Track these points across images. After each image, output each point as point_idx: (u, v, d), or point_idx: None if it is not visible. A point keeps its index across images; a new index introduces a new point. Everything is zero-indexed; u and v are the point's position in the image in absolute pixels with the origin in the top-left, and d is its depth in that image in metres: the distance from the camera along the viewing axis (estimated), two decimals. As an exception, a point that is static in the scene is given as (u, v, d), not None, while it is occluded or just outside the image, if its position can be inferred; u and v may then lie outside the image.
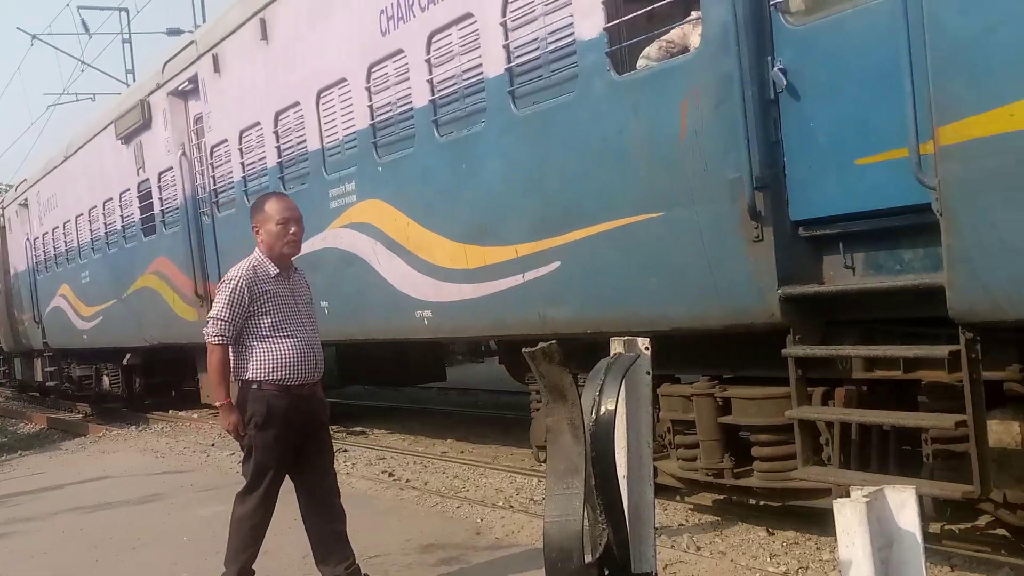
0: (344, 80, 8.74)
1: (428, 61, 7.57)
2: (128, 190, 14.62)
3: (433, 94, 7.57)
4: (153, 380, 17.51)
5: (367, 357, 13.15)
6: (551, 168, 6.51)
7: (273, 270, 5.27)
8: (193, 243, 12.46)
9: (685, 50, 5.65)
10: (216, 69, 11.23)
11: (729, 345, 5.94)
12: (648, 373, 3.87)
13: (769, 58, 5.13)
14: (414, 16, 7.68)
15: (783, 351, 5.21)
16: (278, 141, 10.01)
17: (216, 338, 5.16)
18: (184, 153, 12.55)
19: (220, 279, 5.31)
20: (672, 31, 5.74)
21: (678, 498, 7.05)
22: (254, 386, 5.17)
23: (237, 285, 5.19)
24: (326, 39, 8.96)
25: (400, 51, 7.91)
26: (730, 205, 5.27)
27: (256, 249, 5.33)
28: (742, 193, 5.17)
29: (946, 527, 5.58)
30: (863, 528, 3.02)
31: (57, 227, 18.81)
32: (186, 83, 12.21)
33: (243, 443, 5.32)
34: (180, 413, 16.64)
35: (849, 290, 5.01)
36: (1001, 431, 4.61)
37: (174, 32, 25.95)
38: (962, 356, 4.41)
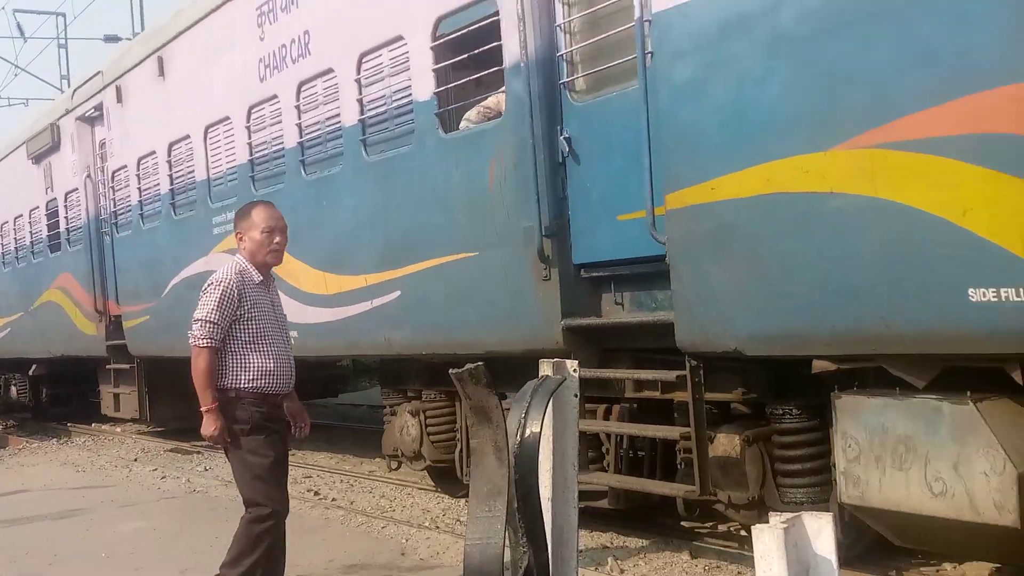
0: (228, 118, 9.60)
1: (297, 107, 8.48)
2: (37, 208, 15.26)
3: (301, 136, 8.47)
4: (58, 391, 17.99)
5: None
6: (393, 209, 7.43)
7: (257, 277, 5.17)
8: (95, 261, 13.14)
9: (499, 115, 6.62)
10: (119, 99, 11.99)
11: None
12: (576, 396, 3.86)
13: (558, 127, 6.11)
14: (287, 67, 8.58)
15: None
16: (171, 170, 10.83)
17: (204, 340, 4.94)
18: (89, 176, 13.25)
19: (207, 283, 5.08)
20: (489, 98, 6.69)
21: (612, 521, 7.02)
22: (231, 394, 5.00)
23: (228, 287, 5.01)
24: (214, 80, 9.81)
25: (275, 96, 8.80)
26: (525, 249, 6.23)
27: (237, 255, 5.23)
28: (534, 239, 6.13)
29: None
30: (780, 554, 3.07)
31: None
32: (92, 110, 12.94)
33: (228, 452, 5.14)
34: (103, 427, 16.23)
35: (617, 323, 6.01)
36: (726, 443, 5.60)
37: (111, 39, 25.84)
38: (687, 380, 5.41)
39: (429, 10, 6.88)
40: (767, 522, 3.45)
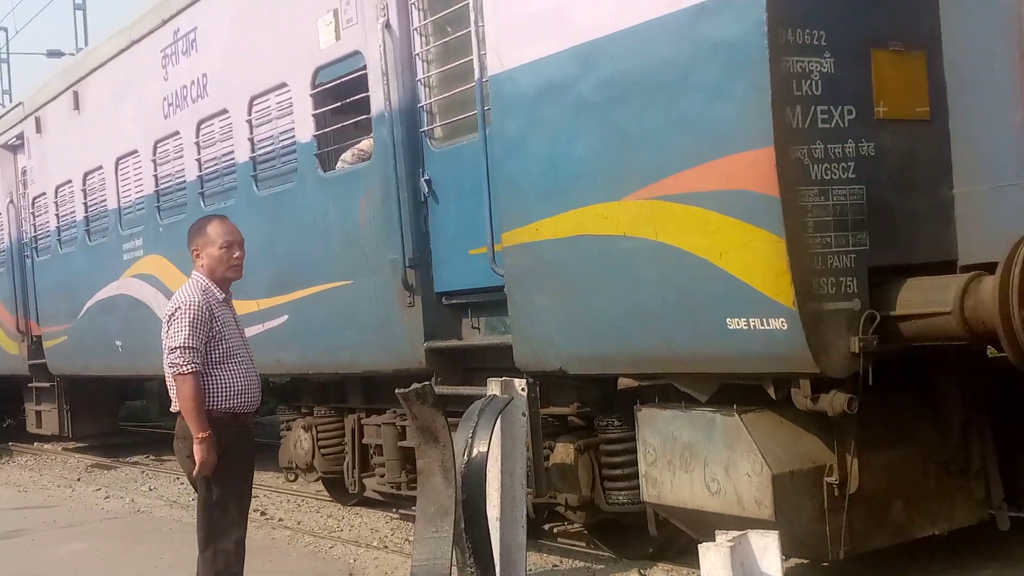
0: (136, 151, 10.22)
1: (197, 144, 9.12)
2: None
3: (200, 170, 9.12)
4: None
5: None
6: (280, 239, 8.10)
7: (220, 294, 5.13)
8: (17, 283, 13.63)
9: (370, 157, 7.32)
10: (39, 130, 12.53)
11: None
12: (523, 415, 3.79)
13: (420, 170, 6.83)
14: (188, 105, 9.23)
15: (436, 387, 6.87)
16: (85, 198, 11.40)
17: (188, 367, 4.87)
18: (12, 201, 13.75)
19: (172, 309, 5.02)
20: (363, 142, 7.39)
21: (557, 539, 7.11)
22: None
23: (198, 309, 4.95)
24: (124, 114, 10.42)
25: (177, 132, 9.44)
26: (392, 278, 6.93)
27: (195, 272, 5.17)
28: (399, 270, 6.84)
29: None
30: (727, 571, 3.14)
31: None
32: (14, 139, 13.45)
33: (196, 480, 5.06)
34: (45, 446, 15.89)
35: (471, 345, 6.73)
36: (562, 452, 6.32)
37: (54, 54, 25.43)
38: (527, 394, 6.14)
39: (309, 61, 7.57)
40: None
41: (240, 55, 8.48)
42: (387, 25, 6.78)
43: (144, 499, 10.34)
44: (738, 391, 5.15)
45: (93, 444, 14.93)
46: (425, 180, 6.79)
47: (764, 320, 4.65)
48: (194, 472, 4.95)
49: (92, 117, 11.19)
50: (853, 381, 4.68)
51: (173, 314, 4.99)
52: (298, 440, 8.91)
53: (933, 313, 4.57)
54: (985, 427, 5.37)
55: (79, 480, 12.25)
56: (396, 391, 3.50)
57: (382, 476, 7.87)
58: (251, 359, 5.23)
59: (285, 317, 8.12)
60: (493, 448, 3.64)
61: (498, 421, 3.72)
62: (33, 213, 12.99)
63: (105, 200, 10.93)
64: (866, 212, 4.68)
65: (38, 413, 14.19)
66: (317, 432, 8.71)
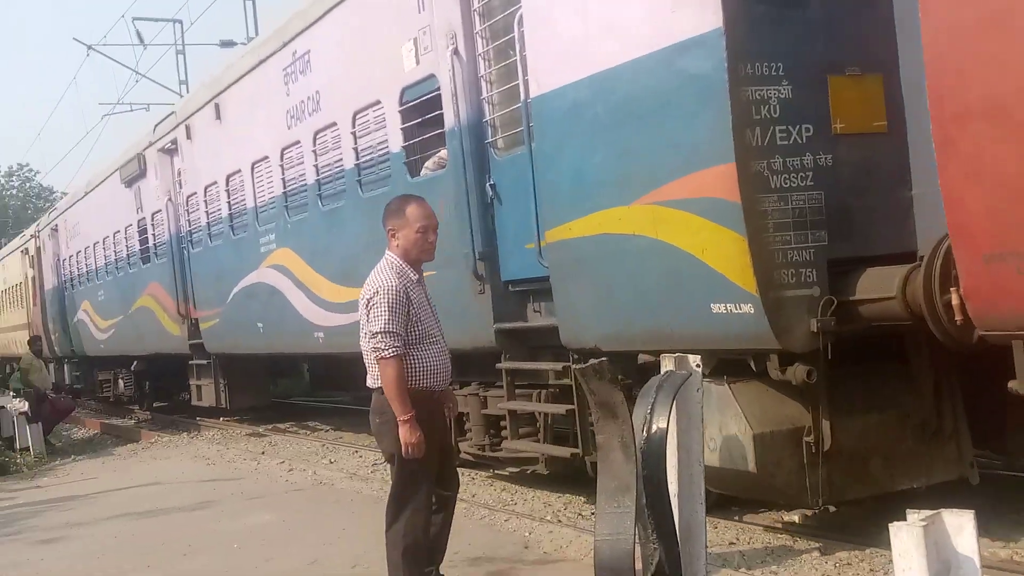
0: (267, 157, 11.68)
1: (314, 151, 10.48)
2: (130, 225, 17.72)
3: (318, 175, 10.48)
4: (159, 384, 20.49)
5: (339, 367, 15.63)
6: (381, 235, 9.33)
7: (413, 275, 5.25)
8: (177, 272, 15.44)
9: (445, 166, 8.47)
10: (189, 136, 14.23)
11: (486, 361, 8.71)
12: (698, 391, 3.74)
13: (486, 176, 7.94)
14: (305, 118, 10.59)
15: (496, 365, 8.03)
16: (228, 197, 12.98)
17: (391, 350, 4.99)
18: (170, 199, 15.55)
19: (371, 293, 5.17)
20: (442, 151, 8.54)
21: (736, 518, 7.01)
22: None
23: (396, 293, 5.07)
24: (256, 124, 11.91)
25: (298, 141, 10.83)
26: (465, 269, 8.08)
27: (389, 253, 5.33)
28: (471, 262, 7.98)
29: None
30: (920, 552, 2.99)
31: (80, 251, 21.98)
32: (170, 143, 15.22)
33: (393, 455, 5.18)
34: (231, 420, 16.66)
35: (530, 326, 7.82)
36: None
37: (227, 44, 26.50)
38: (570, 369, 7.20)
39: (396, 82, 8.78)
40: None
41: (344, 75, 9.76)
42: (455, 52, 7.90)
43: (325, 471, 10.57)
44: (734, 364, 6.09)
45: (248, 416, 16.64)
46: (490, 185, 7.89)
47: (737, 305, 5.58)
48: (403, 453, 5.01)
49: (231, 126, 12.74)
50: (817, 355, 5.56)
51: (371, 298, 5.09)
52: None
53: (882, 298, 5.42)
54: (956, 392, 6.13)
55: (263, 453, 12.60)
56: (573, 367, 3.44)
57: (470, 440, 9.05)
58: (443, 338, 5.32)
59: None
60: (671, 425, 3.51)
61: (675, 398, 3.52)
62: (187, 210, 14.73)
63: (245, 199, 12.48)
64: (824, 213, 5.54)
65: (198, 387, 16.04)
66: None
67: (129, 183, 17.38)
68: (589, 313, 6.81)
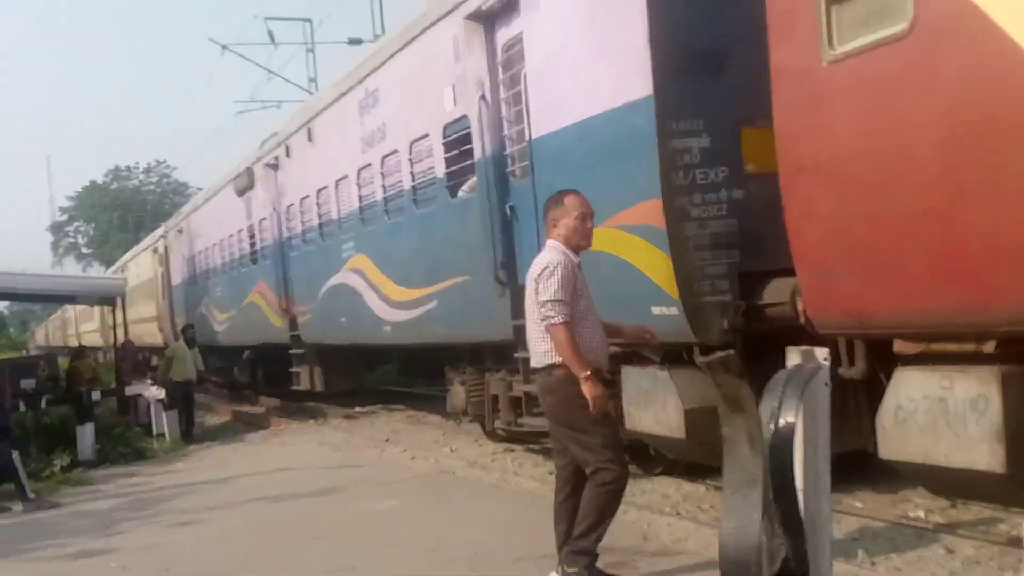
0: (347, 176, 13.62)
1: (382, 173, 12.35)
2: (241, 230, 20.00)
3: (384, 192, 12.35)
4: (268, 371, 22.72)
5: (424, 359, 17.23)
6: (430, 246, 11.17)
7: (575, 259, 5.58)
8: (280, 273, 17.57)
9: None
10: (288, 155, 16.33)
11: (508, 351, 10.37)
12: (827, 385, 3.78)
13: (507, 199, 9.63)
14: (375, 144, 12.48)
15: (514, 354, 9.74)
16: (318, 209, 15.00)
17: (560, 317, 5.33)
18: (274, 208, 17.69)
19: (539, 269, 5.59)
20: (474, 177, 10.27)
21: (861, 513, 7.08)
22: (564, 370, 5.43)
23: (565, 267, 5.43)
24: (340, 148, 13.86)
25: (370, 164, 12.73)
26: (490, 275, 9.80)
27: (552, 241, 5.72)
28: (493, 269, 9.70)
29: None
30: None
31: (201, 251, 24.49)
32: (273, 159, 17.36)
33: (564, 424, 5.57)
34: (356, 408, 17.27)
35: (541, 323, 9.46)
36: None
37: (355, 42, 27.04)
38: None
39: (439, 119, 10.56)
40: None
41: (403, 110, 11.61)
42: (483, 97, 9.63)
43: (447, 460, 10.76)
44: (678, 353, 7.67)
45: (342, 398, 18.56)
46: (509, 207, 9.58)
47: (668, 308, 7.18)
48: (591, 408, 5.34)
49: (320, 147, 14.75)
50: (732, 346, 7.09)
51: (541, 272, 5.49)
52: (456, 392, 11.98)
53: (778, 303, 6.93)
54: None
55: (387, 441, 12.92)
56: (698, 360, 3.52)
57: (500, 417, 10.78)
58: (599, 320, 5.68)
59: (435, 302, 11.19)
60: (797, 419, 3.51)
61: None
62: (287, 218, 16.84)
63: (331, 211, 14.46)
64: (738, 237, 7.07)
65: (298, 374, 18.15)
66: (468, 387, 11.72)
67: (240, 193, 19.63)
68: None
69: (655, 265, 7.22)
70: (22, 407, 14.04)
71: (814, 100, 5.72)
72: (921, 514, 6.80)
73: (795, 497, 3.49)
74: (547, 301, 5.42)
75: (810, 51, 5.65)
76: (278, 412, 18.95)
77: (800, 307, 6.34)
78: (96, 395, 14.77)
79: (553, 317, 5.38)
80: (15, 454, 10.88)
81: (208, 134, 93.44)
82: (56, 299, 32.28)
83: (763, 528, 3.27)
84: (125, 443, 14.47)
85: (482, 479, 9.34)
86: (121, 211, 77.84)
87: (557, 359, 5.47)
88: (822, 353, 3.76)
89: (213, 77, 65.06)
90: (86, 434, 13.59)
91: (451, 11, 10.07)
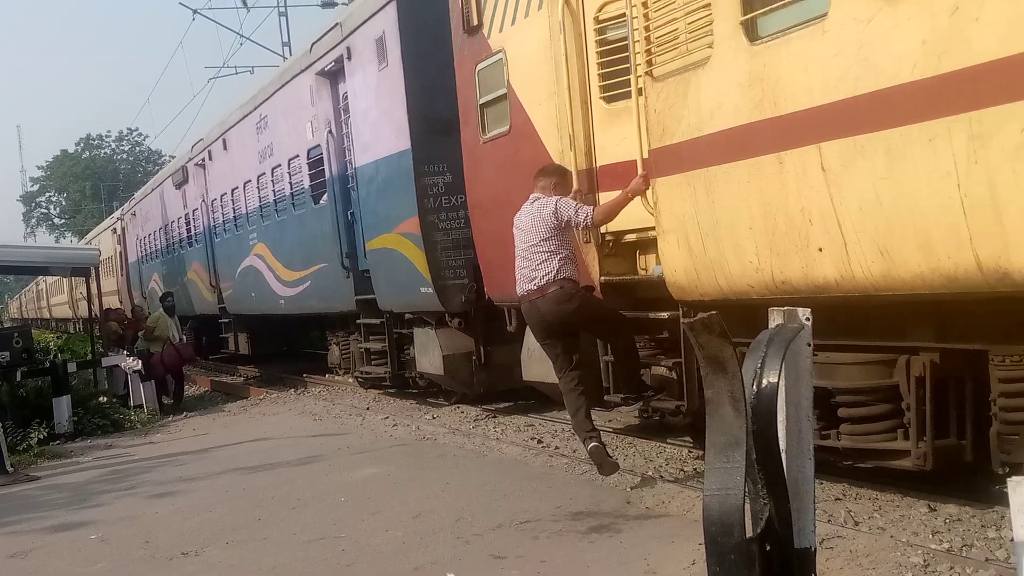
0: (251, 180, 17.15)
1: (271, 180, 15.90)
2: (180, 217, 23.47)
3: (273, 196, 15.91)
4: (209, 338, 26.09)
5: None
6: (304, 239, 14.74)
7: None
8: (208, 254, 21.06)
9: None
10: (210, 158, 19.83)
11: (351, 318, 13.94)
12: (809, 345, 3.74)
13: (349, 207, 13.19)
14: (267, 158, 16.01)
15: (356, 321, 13.36)
16: (233, 204, 18.53)
17: (589, 211, 7.03)
18: (203, 200, 21.16)
19: (552, 206, 7.03)
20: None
21: (844, 474, 6.85)
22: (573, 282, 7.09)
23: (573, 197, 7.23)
24: (245, 158, 17.37)
25: (264, 172, 16.27)
26: (336, 263, 13.39)
27: (540, 194, 7.19)
28: (339, 258, 13.28)
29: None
30: None
31: (149, 234, 27.92)
32: (201, 161, 20.83)
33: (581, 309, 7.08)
34: (336, 377, 16.53)
35: (372, 298, 13.11)
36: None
37: (328, 5, 27.24)
38: (386, 323, 12.49)
39: (304, 144, 14.12)
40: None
41: (283, 134, 15.14)
42: (330, 132, 13.18)
43: (428, 427, 10.66)
44: (440, 317, 11.30)
45: (272, 360, 21.69)
46: (350, 213, 13.15)
47: (428, 288, 10.81)
48: (636, 187, 6.84)
49: (232, 155, 18.27)
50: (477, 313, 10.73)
51: (557, 203, 7.04)
52: (332, 351, 15.58)
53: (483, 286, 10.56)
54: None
55: (368, 409, 12.74)
56: (682, 321, 3.75)
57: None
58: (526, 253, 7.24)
59: (309, 282, 14.78)
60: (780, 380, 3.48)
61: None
62: (212, 210, 20.34)
63: (241, 207, 17.99)
64: (471, 241, 10.66)
65: (226, 339, 21.70)
66: (340, 347, 15.28)
67: (177, 186, 23.09)
68: (384, 291, 12.10)
69: (420, 260, 10.83)
70: (-4, 380, 13.38)
71: (477, 163, 9.33)
72: (907, 464, 6.41)
73: (778, 458, 3.48)
74: (578, 218, 7.07)
75: (475, 134, 9.25)
76: (257, 382, 19.14)
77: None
78: (72, 367, 14.51)
79: (588, 215, 7.04)
80: (-5, 426, 10.50)
81: (181, 101, 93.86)
82: (29, 271, 31.32)
83: (747, 489, 3.27)
84: (102, 415, 14.20)
85: (464, 445, 9.37)
86: (93, 180, 77.92)
87: (565, 273, 7.03)
88: (804, 313, 3.71)
89: (185, 43, 64.35)
90: (62, 406, 13.43)
91: (308, 67, 13.62)
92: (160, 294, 19.05)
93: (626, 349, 7.35)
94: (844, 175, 5.26)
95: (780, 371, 3.40)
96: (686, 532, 5.55)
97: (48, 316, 58.26)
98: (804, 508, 3.59)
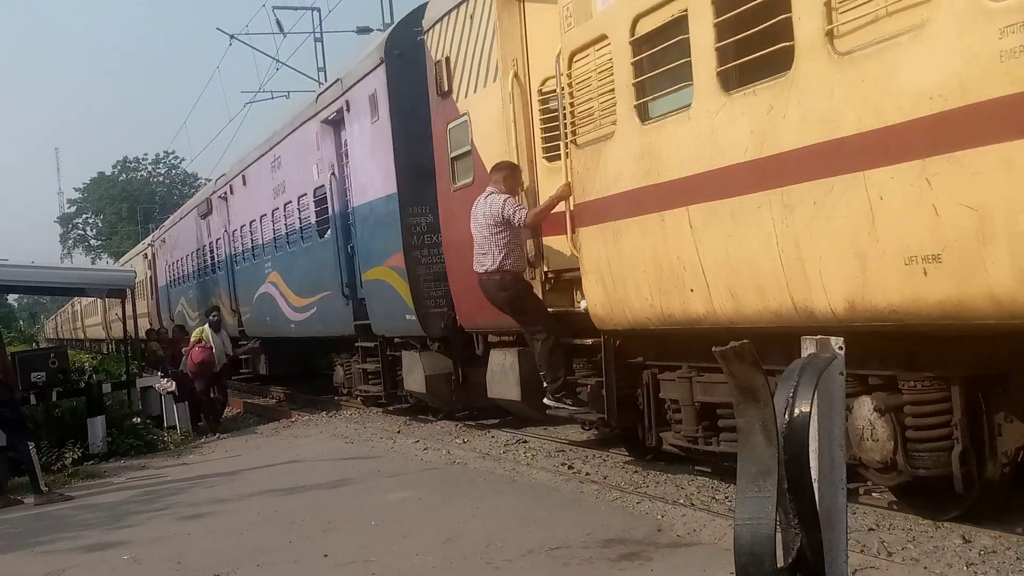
0: (266, 214, 18.70)
1: (284, 215, 17.42)
2: (204, 246, 25.10)
3: (285, 229, 17.42)
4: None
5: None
6: (312, 268, 16.22)
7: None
8: (230, 281, 22.62)
9: (337, 231, 15.25)
10: (231, 192, 21.43)
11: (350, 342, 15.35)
12: (842, 374, 3.72)
13: (350, 241, 14.66)
14: (280, 194, 17.55)
15: (355, 344, 14.82)
16: (251, 235, 20.09)
17: (524, 211, 8.60)
18: (225, 230, 22.75)
19: (500, 201, 8.67)
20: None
21: (878, 504, 6.85)
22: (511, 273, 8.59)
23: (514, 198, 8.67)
24: (261, 194, 18.93)
25: (278, 207, 17.80)
26: (340, 291, 14.85)
27: (492, 189, 8.77)
28: (340, 287, 14.74)
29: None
30: None
31: (178, 260, 29.61)
32: (223, 194, 22.43)
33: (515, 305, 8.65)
34: (341, 397, 17.22)
35: (367, 323, 14.55)
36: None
37: (364, 31, 27.65)
38: (380, 345, 13.94)
39: (311, 184, 15.63)
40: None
41: (294, 174, 16.67)
42: (333, 174, 14.68)
43: (459, 451, 10.70)
44: (423, 341, 12.71)
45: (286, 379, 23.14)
46: (351, 247, 14.60)
47: (411, 316, 12.23)
48: (560, 196, 8.34)
49: (251, 190, 19.85)
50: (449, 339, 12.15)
51: (504, 201, 8.63)
52: (337, 372, 17.00)
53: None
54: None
55: (399, 432, 12.87)
56: (713, 349, 3.61)
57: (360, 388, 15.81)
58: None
59: (315, 308, 16.26)
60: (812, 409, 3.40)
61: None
62: (233, 240, 21.92)
63: (258, 238, 19.54)
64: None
65: (248, 360, 23.22)
66: (360, 363, 16.70)
67: (203, 216, 24.72)
68: (377, 317, 13.54)
69: (405, 290, 12.25)
70: (32, 400, 13.68)
71: (449, 209, 10.77)
72: (940, 504, 6.38)
73: (810, 487, 3.44)
74: (513, 210, 8.65)
75: (448, 183, 10.70)
76: (290, 404, 19.47)
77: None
78: (107, 387, 14.73)
79: (524, 214, 8.64)
80: (31, 446, 10.83)
81: (217, 125, 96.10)
82: (65, 291, 29.55)
83: (778, 519, 3.23)
84: (136, 435, 14.40)
85: (494, 470, 9.38)
86: (130, 203, 79.35)
87: (506, 265, 8.59)
88: (837, 342, 3.69)
89: (222, 68, 66.31)
90: (97, 427, 13.56)
91: (314, 116, 15.17)
92: (206, 309, 19.00)
93: (549, 351, 8.49)
94: (705, 232, 6.65)
95: (812, 400, 3.40)
96: (718, 561, 5.53)
97: (83, 336, 60.22)
98: (836, 538, 3.56)
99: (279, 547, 7.14)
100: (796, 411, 3.34)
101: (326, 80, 22.44)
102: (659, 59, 7.01)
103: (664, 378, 7.94)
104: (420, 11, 11.62)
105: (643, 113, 7.23)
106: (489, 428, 12.22)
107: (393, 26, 12.44)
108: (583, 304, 8.31)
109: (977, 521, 6.16)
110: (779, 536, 3.24)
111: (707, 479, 8.24)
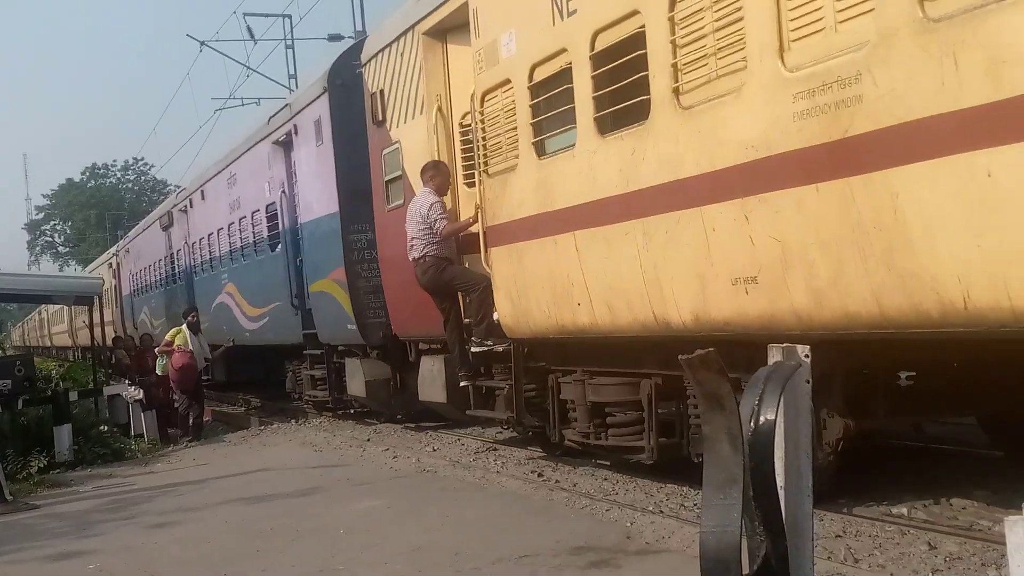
0: (223, 227, 19.62)
1: (239, 228, 18.35)
2: (165, 256, 25.94)
3: (240, 242, 18.35)
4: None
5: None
6: (265, 280, 17.14)
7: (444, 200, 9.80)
8: (190, 292, 23.48)
9: (288, 245, 16.20)
10: (191, 206, 22.34)
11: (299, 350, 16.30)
12: (808, 382, 3.71)
13: (299, 255, 15.61)
14: (236, 209, 18.47)
15: (303, 352, 15.78)
16: (210, 247, 20.99)
17: (446, 220, 9.65)
18: (185, 242, 23.62)
19: (428, 203, 9.67)
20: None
21: (844, 510, 6.90)
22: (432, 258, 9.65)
23: (442, 201, 9.68)
24: (218, 208, 19.85)
25: (233, 222, 18.73)
26: (289, 302, 15.79)
27: (426, 188, 9.77)
28: (290, 297, 15.70)
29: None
30: None
31: (140, 270, 30.40)
32: (183, 207, 23.31)
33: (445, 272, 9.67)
34: (293, 402, 17.75)
35: (315, 332, 15.52)
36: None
37: (335, 38, 27.33)
38: (326, 353, 14.90)
39: (264, 201, 16.58)
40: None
41: (248, 191, 17.62)
42: (283, 192, 15.65)
43: (429, 459, 10.70)
44: (364, 349, 13.68)
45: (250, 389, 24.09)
46: (299, 260, 15.55)
47: (352, 325, 13.21)
48: (466, 224, 9.65)
49: (209, 204, 20.77)
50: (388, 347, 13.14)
51: (432, 204, 9.66)
52: (290, 377, 17.93)
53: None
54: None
55: (369, 440, 12.78)
56: (680, 357, 3.64)
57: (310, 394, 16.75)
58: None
59: (268, 318, 17.19)
60: (778, 417, 3.37)
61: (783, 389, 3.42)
62: (192, 252, 22.80)
63: (216, 250, 20.45)
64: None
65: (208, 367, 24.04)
66: (297, 372, 17.65)
67: (164, 228, 25.58)
68: (323, 326, 14.51)
69: (346, 302, 13.23)
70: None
71: (384, 227, 11.78)
72: (904, 511, 6.78)
73: (776, 495, 3.44)
74: (438, 218, 9.65)
75: (383, 204, 11.71)
76: (259, 412, 19.29)
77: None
78: (74, 395, 14.64)
79: (445, 222, 9.68)
80: (-6, 455, 10.26)
81: (187, 131, 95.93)
82: (32, 299, 31.24)
83: (744, 526, 3.19)
84: (103, 444, 14.23)
85: (464, 478, 9.40)
86: (98, 209, 79.01)
87: (427, 252, 9.68)
88: (803, 350, 3.70)
89: (192, 74, 67.17)
90: (63, 435, 13.39)
91: (266, 136, 16.14)
92: (184, 309, 18.41)
93: (481, 300, 9.45)
94: (587, 254, 7.71)
95: (778, 408, 3.39)
96: (686, 568, 5.50)
97: (49, 344, 60.58)
98: (802, 545, 3.57)
99: (247, 556, 7.10)
100: (762, 419, 3.36)
101: (297, 87, 23.86)
102: (552, 103, 8.06)
103: (563, 381, 8.95)
104: (360, 44, 12.64)
105: (540, 149, 8.27)
106: (460, 436, 12.43)
107: (336, 58, 13.42)
108: (495, 316, 9.33)
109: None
110: (745, 543, 3.24)
111: (677, 487, 8.24)
